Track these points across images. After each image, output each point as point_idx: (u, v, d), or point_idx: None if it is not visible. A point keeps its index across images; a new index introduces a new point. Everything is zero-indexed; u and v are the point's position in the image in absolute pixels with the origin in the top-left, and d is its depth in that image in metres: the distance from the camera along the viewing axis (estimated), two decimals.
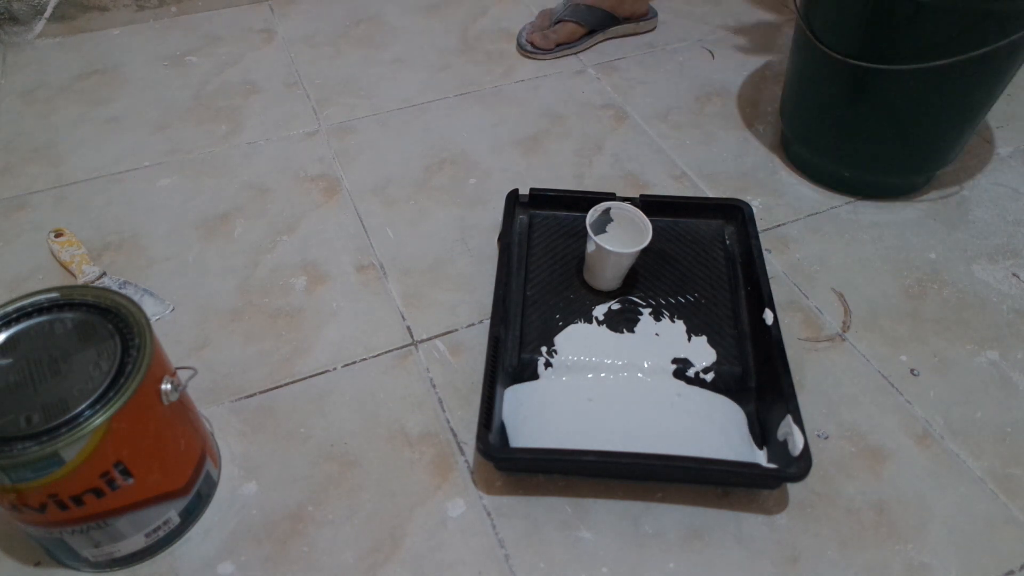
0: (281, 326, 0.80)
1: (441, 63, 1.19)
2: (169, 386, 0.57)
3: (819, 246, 0.90)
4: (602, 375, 0.73)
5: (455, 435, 0.71)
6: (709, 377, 0.74)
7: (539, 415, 0.70)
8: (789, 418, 0.66)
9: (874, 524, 0.66)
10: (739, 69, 1.19)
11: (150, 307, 0.81)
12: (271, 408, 0.73)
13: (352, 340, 0.79)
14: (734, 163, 1.02)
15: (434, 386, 0.75)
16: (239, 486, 0.67)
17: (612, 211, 0.80)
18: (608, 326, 0.78)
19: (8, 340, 0.56)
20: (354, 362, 0.77)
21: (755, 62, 1.21)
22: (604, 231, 0.81)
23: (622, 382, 0.73)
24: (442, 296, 0.84)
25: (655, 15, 1.27)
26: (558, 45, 1.19)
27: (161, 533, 0.61)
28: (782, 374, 0.69)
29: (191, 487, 0.62)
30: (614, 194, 0.86)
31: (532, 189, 0.89)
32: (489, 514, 0.66)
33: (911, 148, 0.91)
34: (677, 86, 1.15)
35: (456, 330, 0.80)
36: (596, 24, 1.20)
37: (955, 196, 0.98)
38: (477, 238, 0.90)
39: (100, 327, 0.56)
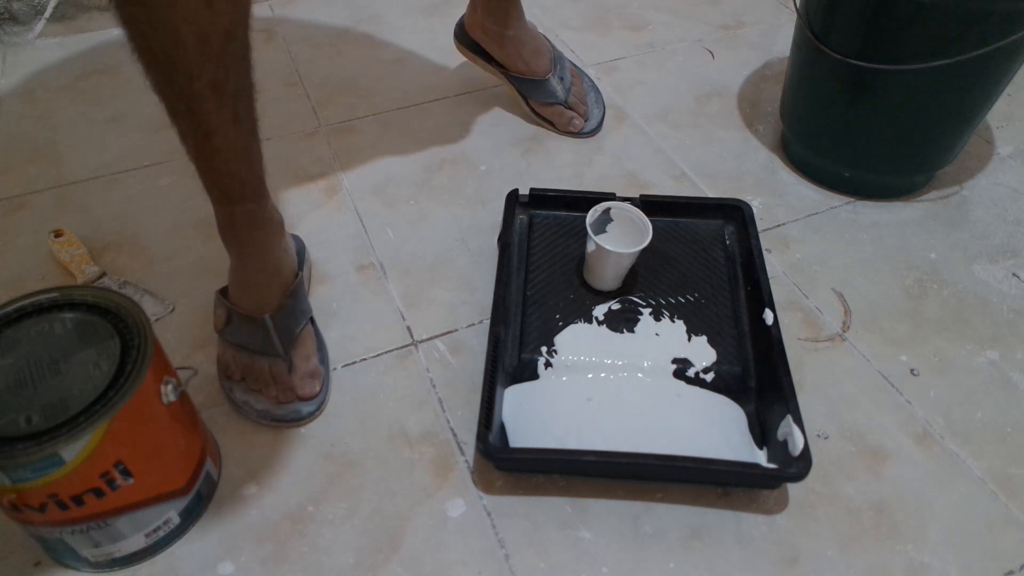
0: None
1: (441, 63, 1.19)
2: (169, 386, 0.57)
3: (819, 246, 0.90)
4: (602, 375, 0.73)
5: (455, 435, 0.71)
6: (709, 377, 0.74)
7: (539, 415, 0.70)
8: (789, 418, 0.65)
9: (874, 524, 0.66)
10: (739, 69, 1.19)
11: (150, 307, 0.81)
12: None
13: (352, 340, 0.79)
14: (734, 163, 1.02)
15: (434, 386, 0.75)
16: (239, 486, 0.67)
17: (612, 211, 0.80)
18: (608, 326, 0.78)
19: (8, 340, 0.56)
20: (354, 362, 0.77)
21: (755, 62, 1.21)
22: (604, 231, 0.81)
23: (622, 382, 0.73)
24: (442, 296, 0.84)
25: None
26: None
27: (161, 533, 0.61)
28: (782, 374, 0.69)
29: (191, 487, 0.62)
30: (614, 194, 0.86)
31: (532, 189, 0.89)
32: (489, 514, 0.66)
33: (911, 148, 0.91)
34: (677, 86, 1.15)
35: (456, 330, 0.80)
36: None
37: (955, 196, 0.98)
38: (477, 238, 0.90)
39: (100, 327, 0.56)
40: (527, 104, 1.06)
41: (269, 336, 0.71)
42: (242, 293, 0.72)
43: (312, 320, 0.76)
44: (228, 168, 0.66)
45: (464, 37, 1.06)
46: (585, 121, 1.05)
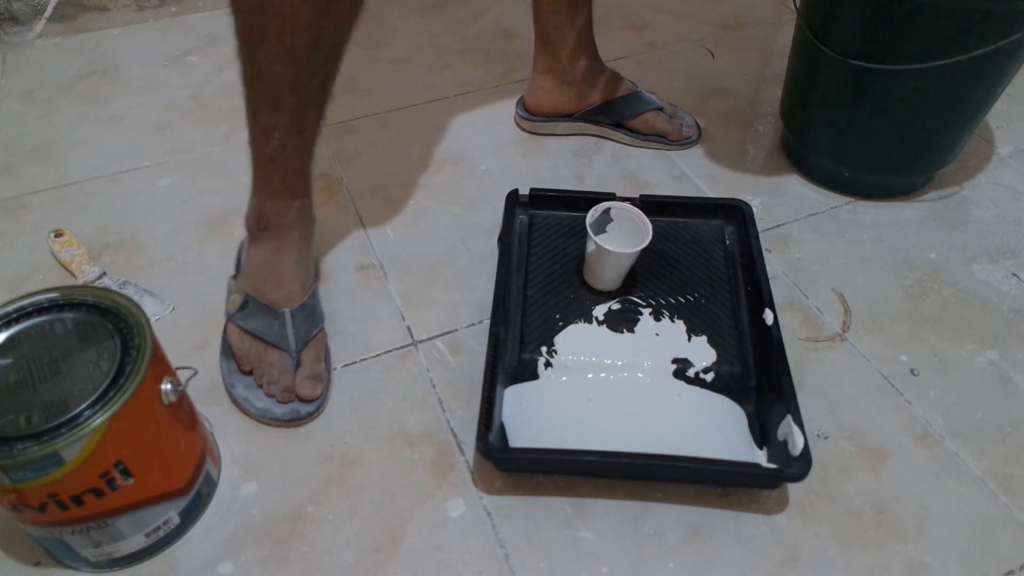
0: None
1: (441, 63, 1.19)
2: (169, 386, 0.57)
3: (819, 246, 0.90)
4: (602, 375, 0.73)
5: (455, 435, 0.71)
6: (709, 377, 0.74)
7: (539, 415, 0.70)
8: (789, 418, 0.65)
9: (874, 524, 0.66)
10: (739, 69, 1.19)
11: (150, 307, 0.81)
12: None
13: (352, 340, 0.79)
14: (734, 163, 1.02)
15: (434, 386, 0.75)
16: (239, 486, 0.67)
17: (612, 211, 0.80)
18: (608, 326, 0.78)
19: (8, 340, 0.55)
20: (354, 362, 0.77)
21: (755, 62, 1.21)
22: (604, 231, 0.81)
23: (622, 382, 0.73)
24: (442, 296, 0.84)
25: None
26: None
27: (161, 533, 0.61)
28: (782, 374, 0.69)
29: (191, 487, 0.62)
30: (614, 194, 0.86)
31: (532, 189, 0.89)
32: (489, 514, 0.66)
33: (911, 148, 0.91)
34: (677, 86, 1.15)
35: (456, 330, 0.80)
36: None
37: (955, 196, 0.98)
38: (477, 238, 0.90)
39: (100, 327, 0.56)
40: (628, 131, 1.03)
41: (285, 330, 0.71)
42: (270, 284, 0.73)
43: (323, 328, 0.76)
44: (302, 163, 0.70)
45: (534, 115, 1.04)
46: (689, 127, 1.04)
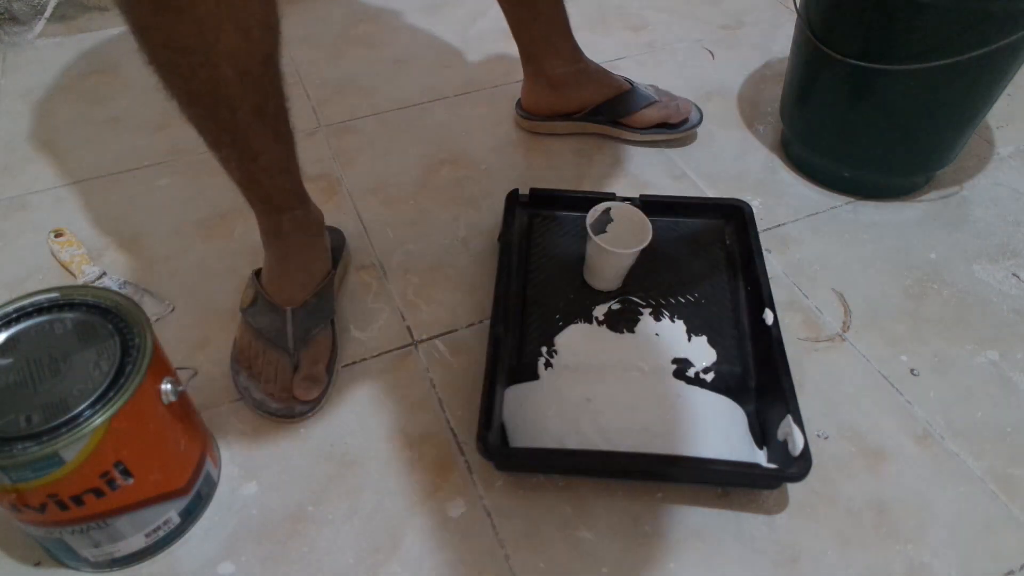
0: None
1: (441, 63, 1.19)
2: (169, 386, 0.57)
3: (819, 246, 0.90)
4: (602, 375, 0.73)
5: (455, 435, 0.71)
6: (709, 377, 0.74)
7: (539, 415, 0.70)
8: (789, 418, 0.65)
9: (874, 524, 0.66)
10: (739, 69, 1.19)
11: (150, 307, 0.81)
12: None
13: (352, 340, 0.79)
14: (734, 163, 1.02)
15: (434, 386, 0.75)
16: (239, 486, 0.67)
17: (612, 211, 0.80)
18: (608, 326, 0.78)
19: (8, 340, 0.56)
20: (354, 362, 0.77)
21: (755, 62, 1.21)
22: (604, 231, 0.81)
23: (622, 382, 0.73)
24: (442, 296, 0.84)
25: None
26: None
27: (161, 533, 0.61)
28: (782, 374, 0.69)
29: (191, 487, 0.62)
30: (614, 194, 0.86)
31: (532, 189, 0.89)
32: (489, 514, 0.66)
33: (911, 148, 0.91)
34: (677, 86, 1.15)
35: (456, 330, 0.80)
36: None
37: (955, 196, 0.98)
38: (477, 238, 0.90)
39: (100, 327, 0.56)
40: (627, 127, 1.03)
41: (285, 329, 0.72)
42: (275, 285, 0.75)
43: (332, 323, 0.77)
44: (274, 183, 0.69)
45: (532, 115, 1.04)
46: (687, 107, 1.03)
